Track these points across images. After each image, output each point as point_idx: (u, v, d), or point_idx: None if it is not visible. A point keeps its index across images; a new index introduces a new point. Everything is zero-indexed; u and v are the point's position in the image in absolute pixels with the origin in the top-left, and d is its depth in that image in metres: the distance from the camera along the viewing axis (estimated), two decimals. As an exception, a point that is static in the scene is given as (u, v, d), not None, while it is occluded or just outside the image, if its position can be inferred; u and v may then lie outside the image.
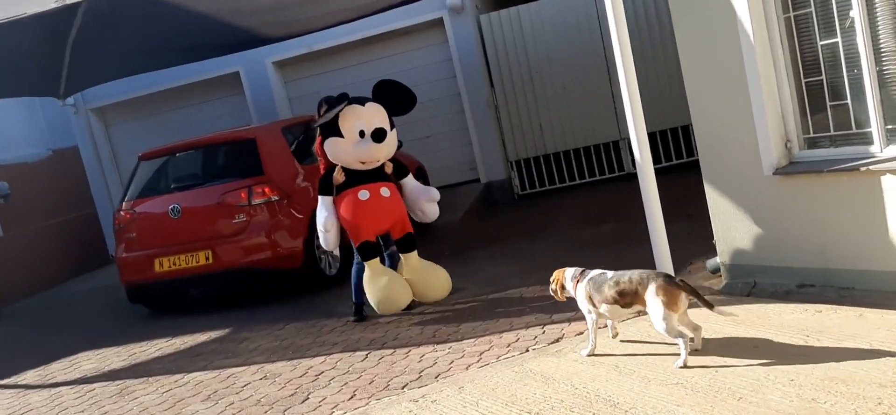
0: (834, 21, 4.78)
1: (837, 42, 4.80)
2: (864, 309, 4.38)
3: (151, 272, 7.50)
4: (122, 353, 6.63)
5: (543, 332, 5.01)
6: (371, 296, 5.88)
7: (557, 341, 4.77)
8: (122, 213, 7.83)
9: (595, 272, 4.35)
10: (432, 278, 6.03)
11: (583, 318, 5.12)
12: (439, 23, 11.28)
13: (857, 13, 4.62)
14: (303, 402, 4.51)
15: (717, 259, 5.74)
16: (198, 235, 7.37)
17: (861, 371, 3.56)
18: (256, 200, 7.30)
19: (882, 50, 4.62)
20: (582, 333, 4.83)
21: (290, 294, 7.59)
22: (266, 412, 4.47)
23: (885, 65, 4.63)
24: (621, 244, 7.32)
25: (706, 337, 4.25)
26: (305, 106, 11.70)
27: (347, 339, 5.78)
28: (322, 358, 5.36)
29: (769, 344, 4.07)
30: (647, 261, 6.33)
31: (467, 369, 4.55)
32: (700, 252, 5.97)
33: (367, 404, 4.28)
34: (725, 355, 3.99)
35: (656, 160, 10.56)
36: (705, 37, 5.28)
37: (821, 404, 3.32)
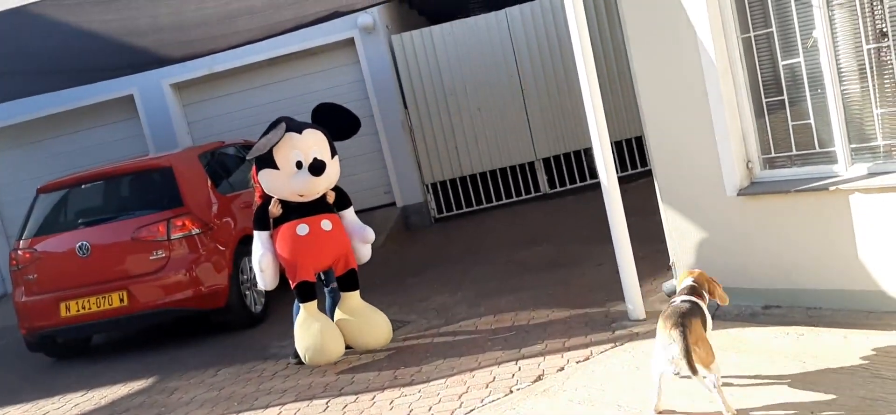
0: (795, 41, 4.79)
1: (799, 62, 4.81)
2: (845, 330, 4.36)
3: (56, 318, 6.74)
4: (33, 412, 5.85)
5: (519, 368, 4.74)
6: (300, 343, 5.45)
7: (540, 378, 4.51)
8: (20, 252, 7.00)
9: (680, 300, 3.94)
10: (372, 324, 5.58)
11: (554, 350, 4.91)
12: (350, 43, 10.95)
13: (820, 33, 4.63)
14: (273, 464, 4.04)
15: (674, 282, 5.65)
16: (110, 275, 6.68)
17: (888, 399, 3.48)
18: (176, 234, 6.68)
19: (845, 70, 4.65)
20: (563, 368, 4.60)
21: (214, 334, 7.00)
22: (232, 483, 3.96)
23: (847, 84, 4.66)
24: (562, 266, 7.18)
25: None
26: (206, 131, 11.04)
27: (297, 385, 5.30)
28: (276, 409, 4.88)
29: (771, 372, 3.96)
30: (598, 282, 6.23)
31: (452, 415, 4.22)
32: (646, 274, 5.83)
33: (352, 463, 3.86)
34: (731, 389, 3.83)
35: (592, 175, 10.67)
36: (664, 56, 5.20)
37: (846, 435, 3.21)
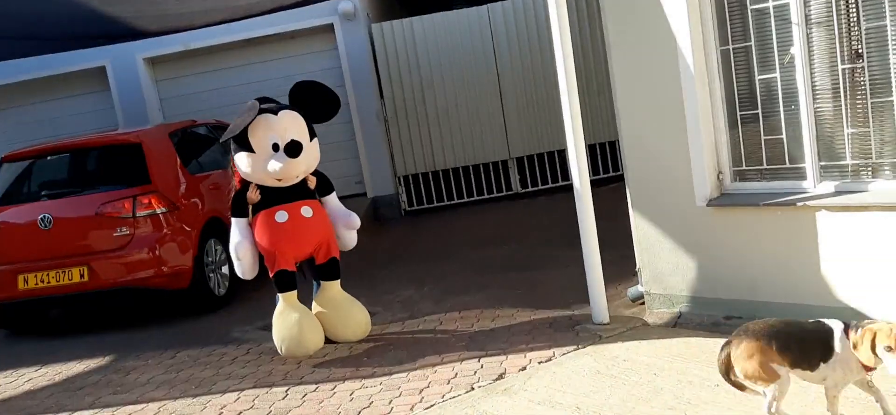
0: (773, 57, 4.82)
1: (775, 77, 4.84)
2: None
3: (14, 290, 6.59)
4: (-17, 386, 5.74)
5: (481, 366, 4.72)
6: (277, 333, 5.32)
7: (502, 377, 4.49)
8: (-24, 221, 6.84)
9: None
10: (351, 316, 5.45)
11: (517, 350, 4.91)
12: (329, 28, 10.87)
13: (797, 50, 4.66)
14: (228, 451, 3.98)
15: (639, 287, 5.68)
16: (72, 250, 6.54)
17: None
18: (141, 212, 6.57)
19: (819, 88, 4.69)
20: (524, 368, 4.59)
21: (175, 316, 6.90)
22: (189, 465, 3.89)
23: (821, 103, 4.70)
24: (529, 267, 7.19)
25: (660, 363, 4.13)
26: (178, 108, 10.89)
27: (257, 371, 5.24)
28: (234, 395, 4.81)
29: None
30: (565, 284, 6.24)
31: (412, 409, 4.19)
32: (612, 279, 5.83)
33: (310, 454, 3.81)
34: (690, 397, 3.84)
35: (564, 177, 10.70)
36: (643, 63, 5.21)
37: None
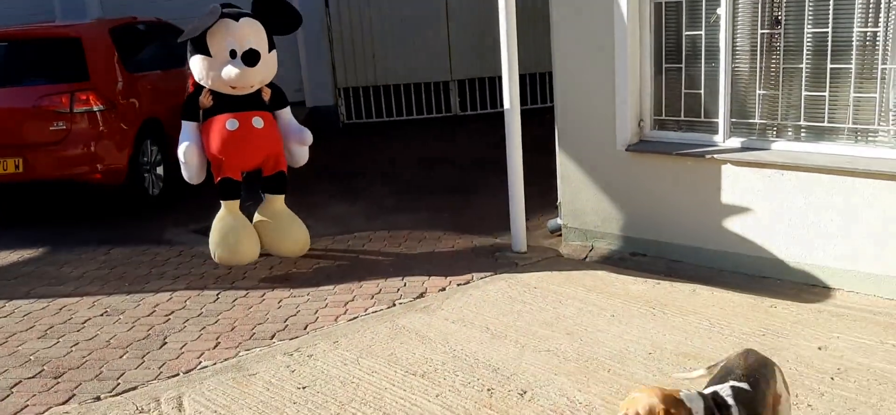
0: (701, 15, 5.10)
1: (701, 34, 5.13)
2: (695, 284, 4.81)
3: (-54, 176, 6.58)
4: (-88, 270, 5.79)
5: (404, 284, 5.02)
6: (213, 240, 5.33)
7: (422, 295, 4.81)
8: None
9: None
10: (291, 231, 5.49)
11: (439, 272, 5.22)
12: (278, -67, 10.69)
13: (723, 11, 4.95)
14: (161, 347, 4.19)
15: (559, 220, 6.04)
16: (6, 140, 6.54)
17: (707, 348, 3.93)
18: (79, 108, 6.58)
19: (739, 48, 5.01)
20: (444, 289, 4.91)
21: (107, 214, 6.99)
22: (122, 357, 4.09)
23: (739, 62, 5.03)
24: (460, 191, 7.48)
25: (566, 291, 4.51)
26: (117, 7, 10.64)
27: (190, 273, 5.44)
28: (167, 295, 5.01)
29: (624, 314, 4.37)
30: (490, 210, 6.54)
31: (336, 320, 4.47)
32: (535, 209, 6.14)
33: (237, 354, 4.06)
34: (587, 325, 4.23)
35: (493, 104, 10.95)
36: (581, 8, 5.43)
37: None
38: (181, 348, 4.17)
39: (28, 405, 3.58)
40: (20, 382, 3.82)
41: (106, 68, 6.92)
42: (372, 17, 11.13)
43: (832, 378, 3.53)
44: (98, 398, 3.61)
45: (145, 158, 7.20)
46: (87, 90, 6.63)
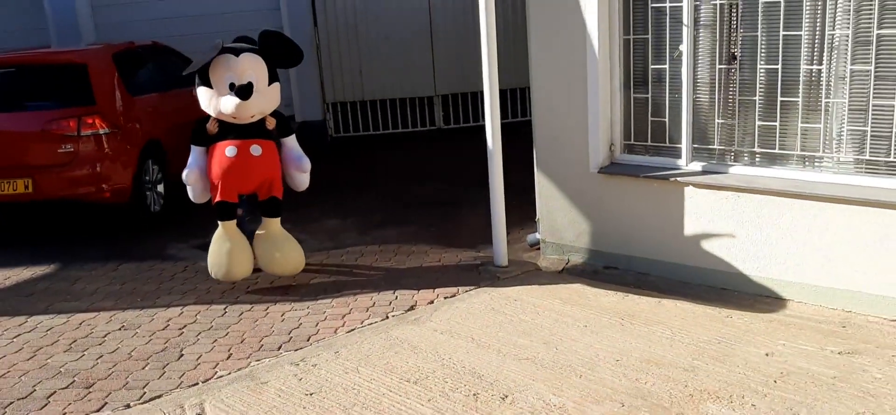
0: (665, 50, 5.60)
1: (665, 68, 5.63)
2: (660, 296, 5.30)
3: (-41, 197, 6.95)
4: (-68, 286, 6.17)
5: (396, 297, 5.48)
6: (210, 258, 5.75)
7: (412, 308, 5.26)
8: (-77, 126, 7.10)
9: None
10: (286, 253, 5.83)
11: (428, 285, 5.67)
12: (268, -47, 11.14)
13: (685, 47, 5.46)
14: (179, 359, 4.62)
15: (537, 235, 6.52)
16: (16, 162, 6.93)
17: (668, 355, 4.42)
18: (86, 131, 6.98)
19: (700, 80, 5.51)
20: (432, 302, 5.37)
21: (112, 231, 7.38)
22: (144, 368, 4.52)
23: (700, 94, 5.53)
24: (444, 205, 7.95)
25: (544, 303, 4.97)
26: (111, 35, 11.01)
27: (196, 288, 5.86)
28: (178, 309, 5.44)
29: (595, 324, 4.85)
30: (473, 225, 7.02)
31: (335, 332, 4.91)
32: (515, 223, 6.59)
33: (249, 365, 4.50)
34: (562, 335, 4.70)
35: (475, 118, 11.42)
36: (557, 43, 5.91)
37: (642, 383, 4.11)
38: (197, 360, 4.60)
39: (66, 413, 4.00)
40: (55, 392, 4.24)
41: (110, 93, 7.32)
42: (359, 34, 11.59)
43: (775, 381, 4.03)
44: (128, 406, 4.04)
45: (147, 177, 7.60)
46: (93, 114, 7.03)
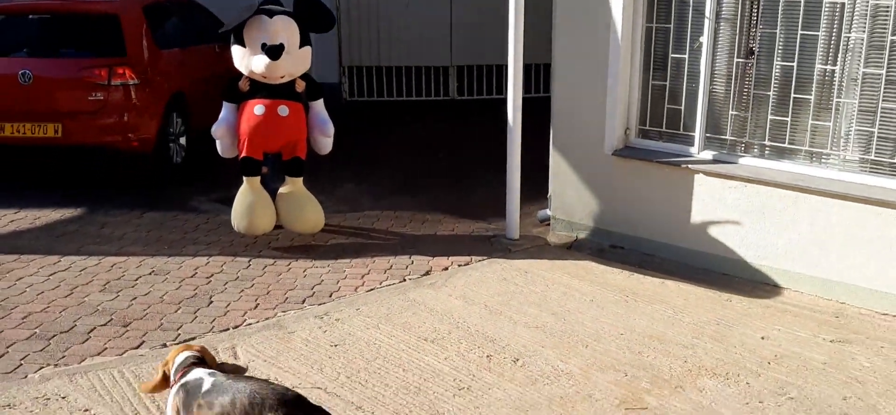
0: (686, 40, 5.79)
1: (684, 58, 5.83)
2: (664, 277, 5.54)
3: (-9, 135, 7.18)
4: (-35, 220, 6.41)
5: (412, 262, 5.72)
6: (234, 211, 5.91)
7: (428, 273, 5.51)
8: (-41, 66, 7.31)
9: (193, 377, 2.90)
10: (307, 212, 6.01)
11: (442, 252, 5.90)
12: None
13: (705, 39, 5.65)
14: (209, 305, 4.87)
15: (548, 211, 6.75)
16: (48, 107, 7.13)
17: (669, 332, 4.67)
18: (116, 81, 7.18)
19: (717, 72, 5.71)
20: (447, 268, 5.62)
21: (134, 180, 7.61)
22: (176, 312, 4.76)
23: (716, 85, 5.73)
24: (458, 176, 8.17)
25: (553, 276, 5.22)
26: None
27: (220, 240, 6.09)
28: (204, 259, 5.68)
29: (602, 300, 5.10)
30: (486, 197, 7.23)
31: (356, 290, 5.16)
32: (526, 199, 6.72)
33: (276, 315, 4.74)
34: (570, 307, 4.96)
35: (498, 90, 11.57)
36: (582, 23, 6.10)
37: (645, 356, 4.37)
38: (226, 307, 4.85)
39: (107, 348, 4.26)
40: (94, 328, 4.49)
41: (140, 44, 7.51)
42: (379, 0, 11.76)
43: (769, 363, 4.28)
44: (165, 345, 4.29)
45: (171, 129, 7.82)
46: (123, 65, 7.22)
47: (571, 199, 6.46)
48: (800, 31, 5.28)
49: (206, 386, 2.79)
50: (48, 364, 4.03)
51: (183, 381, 2.88)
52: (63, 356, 4.13)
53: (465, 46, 11.97)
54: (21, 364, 4.03)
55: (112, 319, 4.62)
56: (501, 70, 11.91)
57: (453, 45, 12.04)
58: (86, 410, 3.61)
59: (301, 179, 6.04)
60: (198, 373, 2.88)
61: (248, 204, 5.89)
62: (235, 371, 3.04)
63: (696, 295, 5.21)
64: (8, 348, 4.21)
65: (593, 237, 6.35)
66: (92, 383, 3.83)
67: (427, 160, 8.90)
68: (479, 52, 11.91)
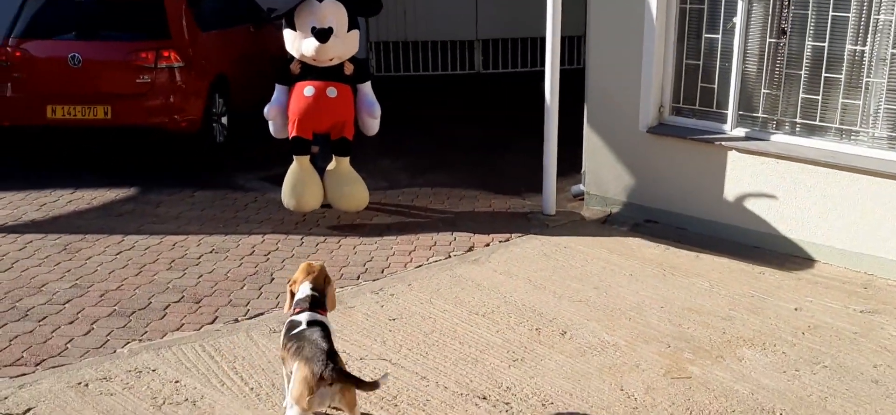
0: (719, 21, 5.97)
1: (718, 38, 6.01)
2: (699, 251, 5.77)
3: (43, 117, 7.44)
4: (29, 201, 6.70)
5: (454, 238, 5.97)
6: (284, 188, 6.17)
7: (471, 249, 5.76)
8: (8, 49, 7.57)
9: (298, 319, 3.35)
10: (353, 191, 6.21)
11: (482, 230, 6.14)
12: None
13: (739, 19, 5.83)
14: (271, 282, 5.14)
15: (581, 187, 6.98)
16: (98, 89, 7.41)
17: (707, 304, 4.91)
18: (162, 64, 7.44)
19: (750, 52, 5.89)
20: (488, 244, 5.87)
21: (181, 159, 7.87)
22: (242, 288, 5.04)
23: (748, 64, 5.92)
24: (491, 150, 8.39)
25: (592, 251, 5.48)
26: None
27: (270, 218, 6.36)
28: (259, 237, 5.95)
29: (640, 273, 5.35)
30: (520, 172, 7.46)
31: (405, 267, 5.42)
32: (564, 173, 6.95)
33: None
34: (611, 281, 5.20)
35: (524, 63, 11.74)
36: (615, 7, 6.29)
37: (685, 328, 4.61)
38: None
39: (184, 323, 4.55)
40: (169, 305, 4.78)
41: (184, 28, 7.75)
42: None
43: (803, 333, 4.52)
44: (237, 320, 4.58)
45: (214, 109, 8.08)
46: (169, 48, 7.48)
47: (606, 175, 6.68)
48: (831, 12, 5.46)
49: (296, 330, 3.28)
50: (133, 339, 4.32)
51: (291, 319, 3.38)
52: (145, 332, 4.42)
53: (491, 20, 12.13)
54: (108, 340, 4.32)
55: (184, 296, 4.91)
56: (526, 43, 12.13)
57: (479, 19, 12.20)
58: (176, 381, 3.90)
59: (347, 158, 6.27)
60: (302, 316, 3.35)
61: (297, 182, 6.14)
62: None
63: (730, 268, 5.44)
64: (93, 324, 4.50)
65: (627, 212, 6.58)
66: (177, 357, 4.12)
67: (458, 135, 9.12)
68: (503, 26, 12.07)
